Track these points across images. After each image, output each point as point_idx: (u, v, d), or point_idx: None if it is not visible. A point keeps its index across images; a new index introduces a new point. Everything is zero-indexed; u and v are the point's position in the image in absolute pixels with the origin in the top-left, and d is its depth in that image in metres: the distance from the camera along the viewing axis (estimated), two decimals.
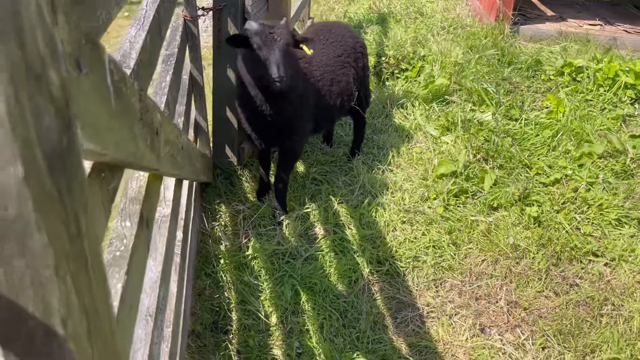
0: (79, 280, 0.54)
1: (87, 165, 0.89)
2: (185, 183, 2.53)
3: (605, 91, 4.38)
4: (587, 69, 4.57)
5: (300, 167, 3.72)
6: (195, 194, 3.02)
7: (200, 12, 3.04)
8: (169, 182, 1.99)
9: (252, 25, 2.55)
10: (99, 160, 0.84)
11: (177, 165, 1.63)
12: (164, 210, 1.83)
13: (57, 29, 0.53)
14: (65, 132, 0.53)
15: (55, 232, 0.48)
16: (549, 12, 6.52)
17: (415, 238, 3.10)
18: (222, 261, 2.85)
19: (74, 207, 0.53)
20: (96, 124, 0.68)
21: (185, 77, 2.99)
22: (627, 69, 4.39)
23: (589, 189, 3.39)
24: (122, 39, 1.58)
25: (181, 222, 2.24)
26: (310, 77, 3.01)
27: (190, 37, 3.00)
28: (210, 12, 3.07)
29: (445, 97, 4.37)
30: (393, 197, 3.37)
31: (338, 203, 3.30)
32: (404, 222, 3.20)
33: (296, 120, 2.83)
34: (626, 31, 6.03)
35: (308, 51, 2.61)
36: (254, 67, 2.56)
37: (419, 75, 4.71)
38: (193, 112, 3.26)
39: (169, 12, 2.19)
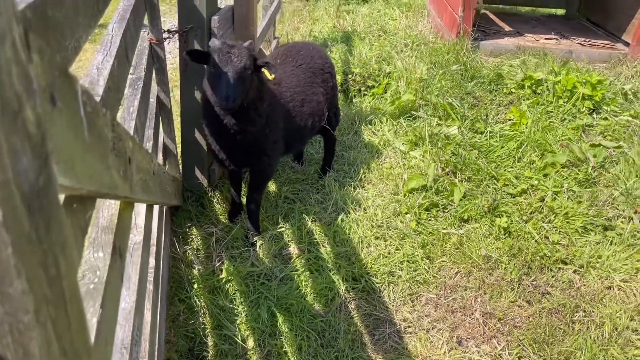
0: (59, 324, 0.52)
1: (60, 197, 0.87)
2: (156, 207, 2.48)
3: (564, 102, 4.54)
4: (546, 82, 4.72)
5: (272, 186, 3.70)
6: (165, 218, 2.97)
7: (166, 35, 3.02)
8: (140, 208, 1.95)
9: (214, 42, 2.55)
10: (72, 193, 0.82)
11: (149, 191, 1.60)
12: (135, 237, 1.79)
13: (32, 66, 0.51)
14: (42, 170, 0.51)
15: (35, 276, 0.46)
16: (507, 28, 6.74)
17: (389, 253, 3.11)
18: (195, 286, 2.80)
19: (52, 248, 0.51)
20: (71, 159, 0.66)
21: (152, 100, 2.96)
22: (584, 80, 4.56)
23: (555, 198, 3.48)
24: (89, 64, 1.55)
25: (153, 249, 2.19)
26: (280, 98, 3.01)
27: (156, 60, 2.97)
28: (176, 35, 3.05)
29: (412, 112, 4.45)
30: (366, 213, 3.39)
31: (311, 221, 3.29)
32: (377, 238, 3.21)
33: (264, 141, 2.82)
34: (581, 44, 6.27)
35: (269, 76, 2.60)
36: (213, 85, 2.56)
37: (386, 92, 4.78)
38: (161, 135, 3.22)
39: (135, 36, 2.17)
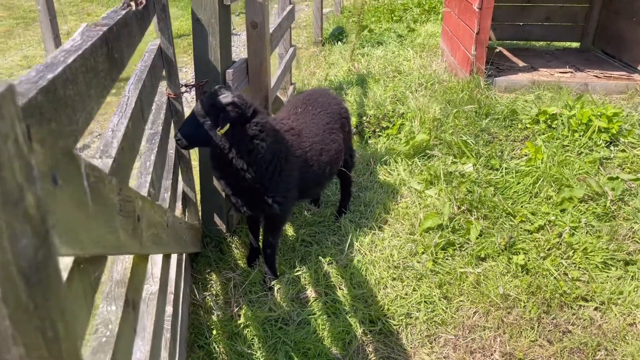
0: None
1: (69, 259, 0.94)
2: (174, 256, 2.56)
3: (580, 136, 4.53)
4: (560, 116, 4.74)
5: (289, 229, 3.77)
6: (185, 265, 3.05)
7: (183, 89, 3.17)
8: (157, 258, 2.03)
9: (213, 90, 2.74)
10: (78, 255, 0.90)
11: (162, 243, 1.68)
12: (151, 287, 1.86)
13: (34, 155, 0.60)
14: (42, 245, 0.58)
15: (32, 341, 0.53)
16: (521, 63, 6.80)
17: (407, 294, 3.11)
18: (214, 332, 2.84)
19: (50, 315, 0.58)
20: (74, 229, 0.74)
21: (171, 151, 3.09)
22: (599, 113, 4.56)
23: (573, 234, 3.45)
24: (106, 127, 1.67)
25: (170, 297, 2.26)
26: (297, 148, 3.09)
27: (174, 113, 3.12)
28: (194, 89, 3.21)
29: (427, 151, 4.50)
30: (382, 254, 3.41)
31: (328, 264, 3.33)
32: (394, 279, 3.22)
33: (274, 189, 2.89)
34: (596, 76, 6.28)
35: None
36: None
37: (400, 132, 4.86)
38: (180, 184, 3.34)
39: (151, 95, 2.30)
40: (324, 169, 3.26)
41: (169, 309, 2.17)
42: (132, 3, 2.26)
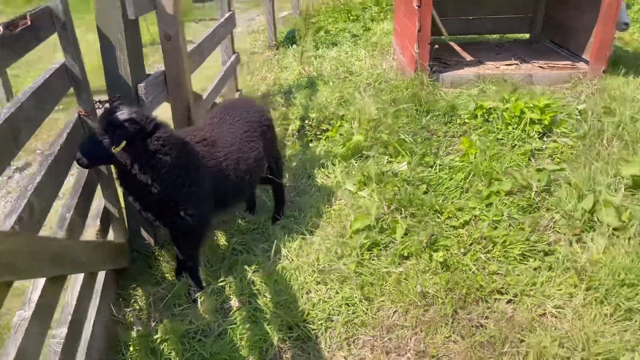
0: None
1: None
2: (79, 276, 2.56)
3: (514, 129, 4.58)
4: (495, 110, 4.79)
5: (221, 238, 3.78)
6: (106, 281, 3.05)
7: (97, 105, 3.17)
8: (38, 282, 2.03)
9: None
10: None
11: (19, 270, 1.68)
12: (25, 313, 1.86)
13: None
14: None
15: None
16: (469, 58, 6.86)
17: (329, 297, 3.13)
18: (131, 348, 2.85)
19: None
20: None
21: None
22: (532, 105, 4.62)
23: (496, 227, 3.49)
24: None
25: (67, 318, 2.26)
26: (210, 159, 3.10)
27: (88, 130, 3.11)
28: (106, 104, 3.20)
29: (363, 152, 4.53)
30: (308, 258, 3.43)
31: (253, 272, 3.34)
32: (318, 283, 3.24)
33: (186, 202, 2.90)
34: (541, 67, 6.36)
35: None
36: None
37: (340, 135, 4.88)
38: (102, 201, 3.33)
39: (37, 117, 2.30)
40: (242, 177, 3.27)
41: (61, 332, 2.17)
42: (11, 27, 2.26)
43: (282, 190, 3.93)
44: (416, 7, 5.76)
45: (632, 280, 2.87)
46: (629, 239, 3.20)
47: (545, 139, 4.55)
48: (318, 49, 8.05)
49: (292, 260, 3.43)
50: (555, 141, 4.49)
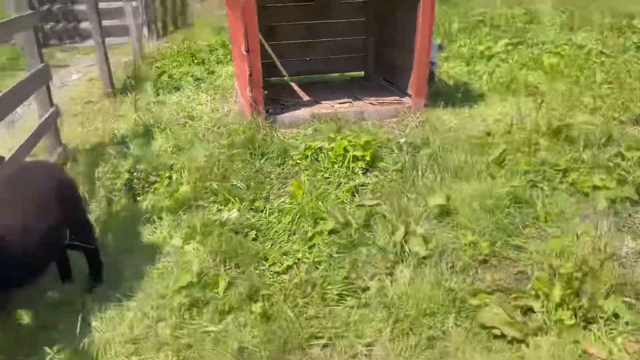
0: None
1: None
2: None
3: (339, 167, 4.75)
4: (322, 150, 4.95)
5: (22, 316, 3.38)
6: None
7: None
8: None
9: None
10: None
11: None
12: None
13: None
14: None
15: None
16: (306, 97, 7.09)
17: None
18: None
19: None
20: None
21: None
22: (355, 143, 4.83)
23: (317, 268, 3.53)
24: None
25: None
26: None
27: None
28: None
29: (192, 203, 4.39)
30: (122, 327, 3.17)
31: (56, 353, 3.00)
32: (131, 354, 3.00)
33: None
34: (371, 104, 6.75)
35: None
36: None
37: (169, 186, 4.70)
38: None
39: None
40: (35, 250, 2.96)
41: None
42: None
43: (96, 255, 3.64)
44: (245, 53, 5.84)
45: (432, 309, 3.04)
46: (432, 267, 3.41)
47: (368, 174, 4.78)
48: (159, 95, 7.83)
49: (103, 332, 3.15)
50: (377, 176, 4.72)
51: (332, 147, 4.85)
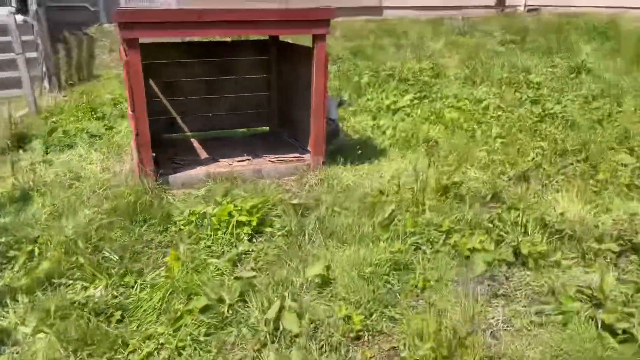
0: None
1: None
2: None
3: (223, 234, 4.52)
4: (207, 215, 4.71)
5: None
6: None
7: None
8: None
9: None
10: None
11: None
12: None
13: None
14: None
15: None
16: (204, 155, 6.87)
17: None
18: None
19: None
20: None
21: None
22: (240, 207, 4.63)
23: (180, 354, 3.23)
24: None
25: None
26: None
27: None
28: None
29: (53, 280, 3.98)
30: None
31: None
32: None
33: None
34: (271, 161, 6.62)
35: None
36: None
37: (31, 261, 4.26)
38: None
39: None
40: None
41: None
42: None
43: None
44: (131, 113, 5.58)
45: None
46: (302, 347, 3.20)
47: (254, 240, 4.57)
48: (48, 153, 7.33)
49: None
50: (263, 242, 4.52)
51: (215, 214, 4.61)
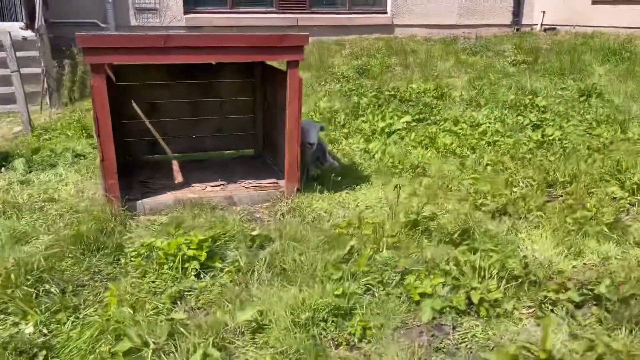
0: None
1: None
2: None
3: (169, 268, 4.35)
4: (155, 248, 4.56)
5: None
6: None
7: None
8: None
9: None
10: None
11: None
12: None
13: None
14: None
15: None
16: (179, 179, 6.75)
17: None
18: None
19: None
20: None
21: None
22: (189, 241, 4.47)
23: None
24: None
25: None
26: None
27: None
28: None
29: None
30: None
31: None
32: None
33: None
34: (245, 187, 6.47)
35: None
36: None
37: None
38: None
39: None
40: None
41: None
42: None
43: None
44: (96, 137, 5.50)
45: None
46: None
47: (202, 276, 4.39)
48: (30, 172, 7.33)
49: None
50: (210, 278, 4.34)
51: (163, 247, 4.46)
